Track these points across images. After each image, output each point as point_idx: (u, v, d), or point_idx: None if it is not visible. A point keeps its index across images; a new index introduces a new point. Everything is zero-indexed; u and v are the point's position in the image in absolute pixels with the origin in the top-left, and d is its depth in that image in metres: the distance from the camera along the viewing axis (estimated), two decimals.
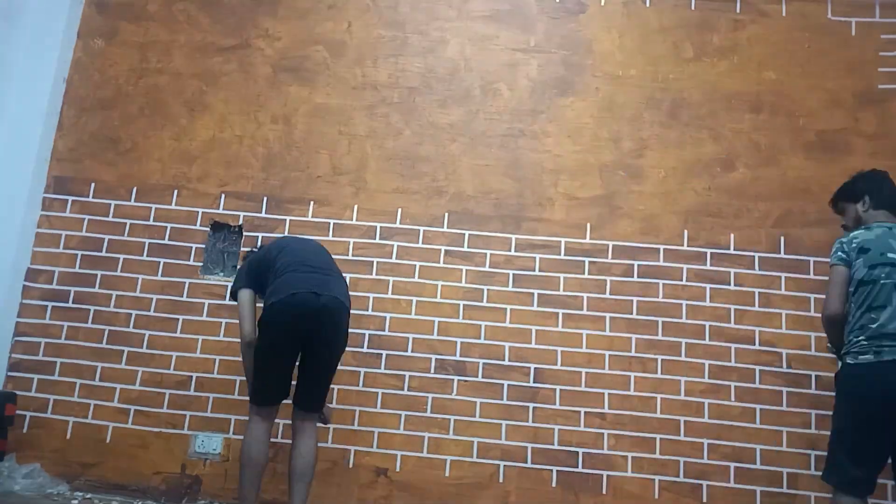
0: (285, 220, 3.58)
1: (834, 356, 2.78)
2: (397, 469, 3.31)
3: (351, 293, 3.44)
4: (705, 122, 3.61)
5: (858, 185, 2.80)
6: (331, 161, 3.65)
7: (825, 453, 3.18)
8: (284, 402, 2.89)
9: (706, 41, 3.71)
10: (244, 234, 3.58)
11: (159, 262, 3.57)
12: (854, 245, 2.61)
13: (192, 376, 3.43)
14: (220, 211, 3.62)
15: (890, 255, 2.54)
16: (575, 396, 3.34)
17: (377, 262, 3.52)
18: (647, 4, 3.77)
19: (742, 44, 3.69)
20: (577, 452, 3.29)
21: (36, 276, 3.56)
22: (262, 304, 2.89)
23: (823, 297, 3.34)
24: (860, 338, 2.52)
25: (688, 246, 3.49)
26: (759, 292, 3.42)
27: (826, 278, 3.36)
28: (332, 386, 3.37)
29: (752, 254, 3.46)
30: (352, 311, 3.44)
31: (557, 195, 3.57)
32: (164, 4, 3.87)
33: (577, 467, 3.28)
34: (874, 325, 2.48)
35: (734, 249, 3.47)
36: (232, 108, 3.73)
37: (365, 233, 3.56)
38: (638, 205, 3.55)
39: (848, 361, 2.57)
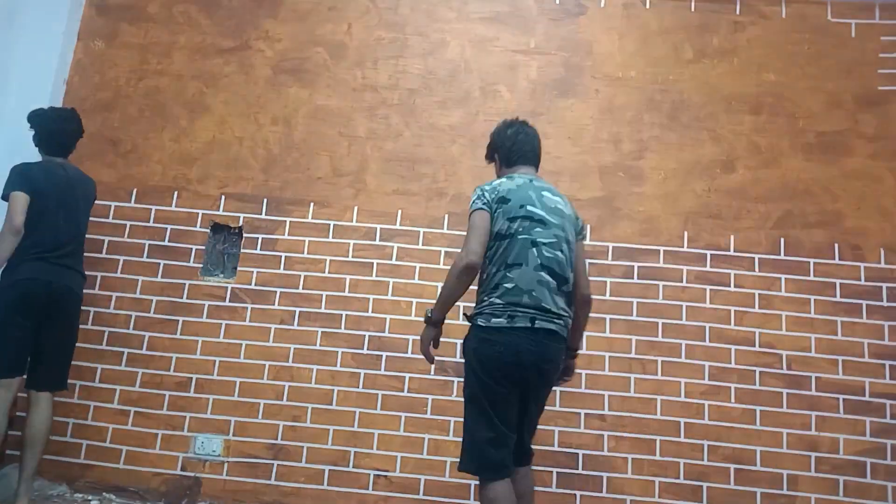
0: (285, 221, 3.59)
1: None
2: (397, 471, 3.31)
3: (351, 294, 3.48)
4: (705, 124, 3.62)
5: (491, 141, 2.63)
6: (331, 162, 3.65)
7: (826, 455, 3.22)
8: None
9: (706, 43, 3.71)
10: (244, 235, 3.59)
11: (159, 264, 3.57)
12: (495, 195, 2.38)
13: (191, 378, 3.43)
14: (220, 212, 3.62)
15: (530, 207, 2.35)
16: (575, 398, 3.34)
17: (377, 264, 3.52)
18: (647, 6, 3.78)
19: (742, 45, 3.69)
20: (578, 454, 3.29)
21: None
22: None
23: (823, 298, 3.39)
24: (493, 298, 2.30)
25: (688, 247, 3.49)
26: (759, 294, 3.42)
27: (825, 279, 3.41)
28: (332, 387, 3.39)
29: (752, 255, 3.46)
30: (351, 313, 3.47)
31: None
32: (164, 6, 3.88)
33: (577, 469, 3.28)
34: (510, 286, 2.28)
35: (734, 251, 3.47)
36: (232, 110, 3.73)
37: (365, 234, 3.56)
38: (638, 206, 3.55)
39: (479, 323, 2.32)
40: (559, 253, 2.35)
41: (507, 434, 2.28)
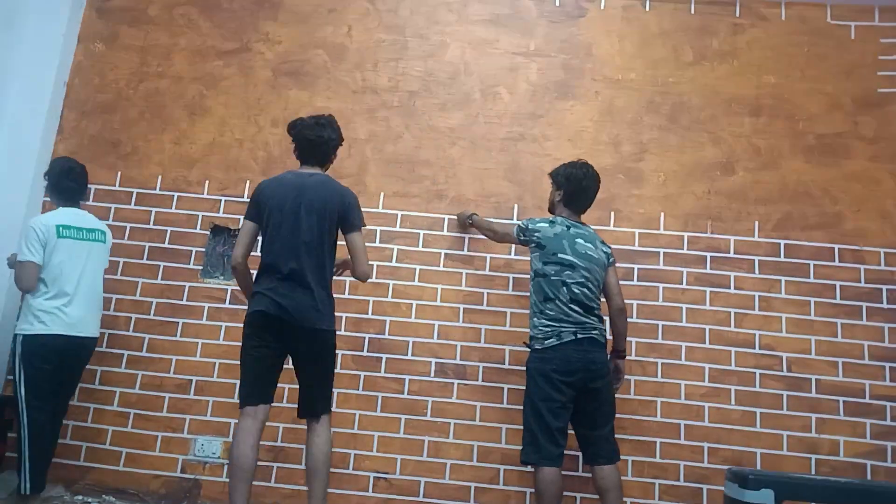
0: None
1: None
2: (397, 473, 3.31)
3: (351, 297, 3.48)
4: (705, 126, 3.62)
5: (563, 177, 3.06)
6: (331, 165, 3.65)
7: (826, 457, 3.22)
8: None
9: (706, 45, 3.72)
10: None
11: (159, 266, 3.57)
12: (535, 237, 2.97)
13: (191, 380, 3.43)
14: (220, 214, 3.62)
15: (561, 255, 2.90)
16: None
17: (377, 266, 3.52)
18: (647, 8, 3.78)
19: (742, 48, 3.70)
20: (578, 456, 3.28)
21: None
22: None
23: (823, 300, 3.39)
24: (542, 320, 2.88)
25: (688, 249, 3.49)
26: (758, 296, 3.42)
27: (825, 281, 3.41)
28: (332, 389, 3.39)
29: (751, 257, 3.46)
30: (351, 315, 3.46)
31: None
32: (164, 8, 3.88)
33: (578, 471, 3.28)
34: (551, 313, 2.86)
35: (734, 253, 3.47)
36: (232, 112, 3.74)
37: (365, 236, 3.54)
38: (638, 208, 3.55)
39: (536, 347, 2.88)
40: (586, 290, 2.89)
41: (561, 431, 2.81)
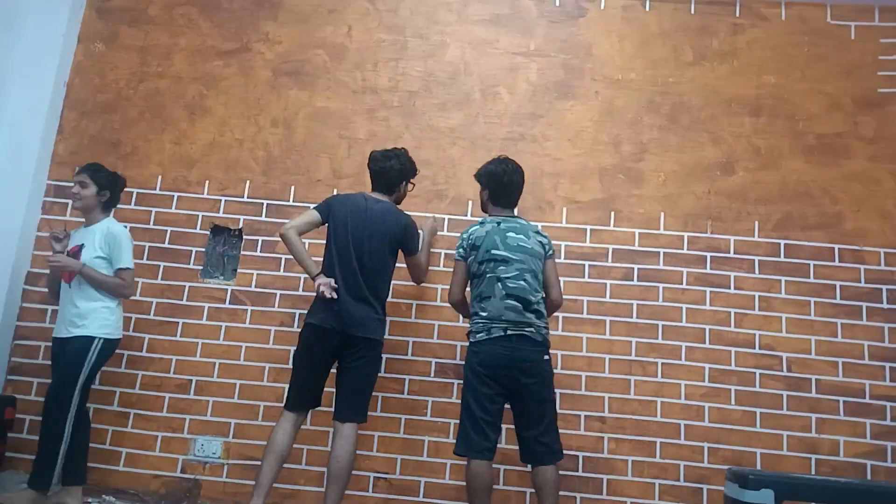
0: (285, 223, 3.57)
1: None
2: (397, 473, 3.31)
3: None
4: (705, 126, 3.62)
5: (482, 173, 3.10)
6: (331, 165, 3.66)
7: (826, 457, 3.23)
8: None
9: (706, 45, 3.72)
10: (244, 237, 3.59)
11: (159, 266, 3.57)
12: (469, 243, 2.99)
13: (191, 380, 3.43)
14: (220, 214, 3.62)
15: (493, 251, 2.90)
16: (575, 400, 3.34)
17: None
18: (647, 8, 3.78)
19: (742, 48, 3.70)
20: (578, 456, 3.29)
21: (36, 279, 3.56)
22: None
23: (823, 300, 3.40)
24: (475, 320, 2.91)
25: (688, 249, 3.49)
26: (758, 296, 3.42)
27: (825, 281, 3.42)
28: (331, 390, 3.38)
29: (751, 257, 3.46)
30: None
31: (557, 199, 3.57)
32: (164, 8, 3.88)
33: (577, 471, 3.27)
34: (484, 314, 2.87)
35: (734, 253, 3.47)
36: (232, 112, 3.74)
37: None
38: (638, 208, 3.55)
39: (470, 341, 2.91)
40: (522, 283, 2.86)
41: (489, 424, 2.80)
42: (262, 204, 3.62)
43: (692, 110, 3.64)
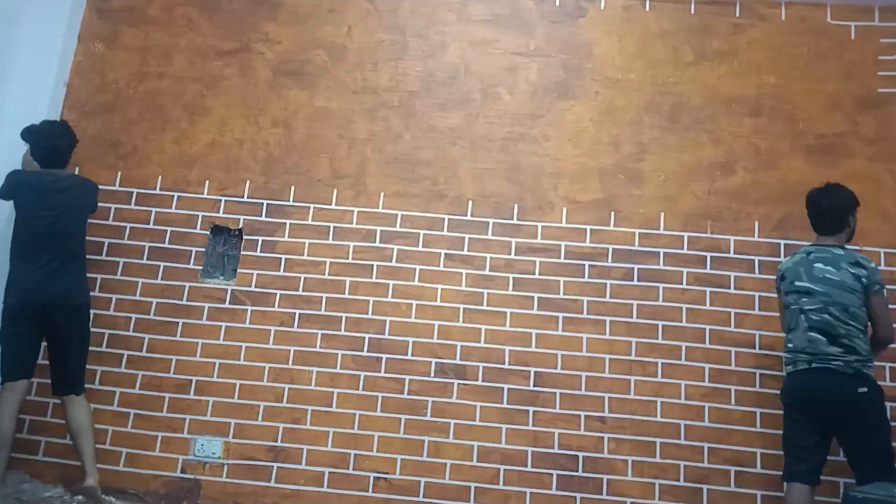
0: (285, 223, 3.59)
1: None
2: (397, 473, 3.31)
3: (351, 297, 3.48)
4: (705, 126, 3.62)
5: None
6: (331, 165, 3.66)
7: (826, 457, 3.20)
8: None
9: (706, 45, 3.71)
10: (244, 237, 3.59)
11: (159, 266, 3.57)
12: (779, 274, 3.05)
13: (191, 380, 3.43)
14: (220, 214, 3.62)
15: (797, 283, 2.91)
16: (575, 400, 3.34)
17: (377, 266, 3.52)
18: (647, 8, 3.78)
19: (742, 48, 3.70)
20: (578, 456, 3.29)
21: None
22: None
23: None
24: (784, 353, 2.98)
25: (688, 249, 3.49)
26: (759, 296, 3.41)
27: None
28: (332, 390, 3.39)
29: (752, 257, 3.46)
30: (351, 315, 3.46)
31: (557, 199, 3.57)
32: (164, 8, 3.88)
33: (578, 471, 3.27)
34: (790, 345, 2.91)
35: (734, 253, 3.47)
36: (232, 112, 3.74)
37: (365, 236, 3.56)
38: (638, 208, 3.55)
39: (784, 374, 3.00)
40: (826, 315, 2.82)
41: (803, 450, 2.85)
42: (262, 204, 3.62)
43: (692, 110, 3.64)
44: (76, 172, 3.57)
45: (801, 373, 2.84)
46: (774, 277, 3.13)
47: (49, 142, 3.26)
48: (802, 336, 2.85)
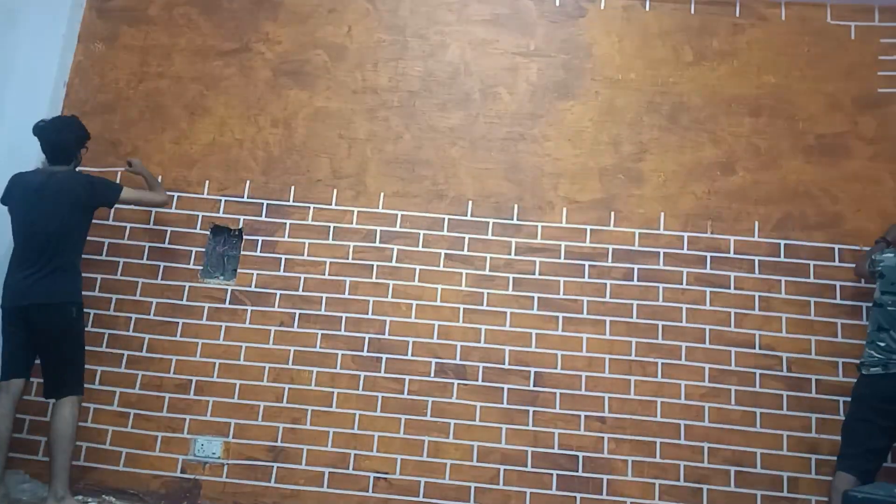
0: (285, 223, 3.59)
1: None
2: (397, 473, 3.31)
3: (351, 297, 3.47)
4: (705, 126, 3.62)
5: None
6: (331, 165, 3.66)
7: (826, 457, 3.23)
8: None
9: (706, 45, 3.71)
10: (244, 237, 3.59)
11: (159, 266, 3.57)
12: (878, 268, 3.05)
13: (191, 380, 3.43)
14: (220, 214, 3.62)
15: None
16: (575, 400, 3.34)
17: (377, 266, 3.52)
18: (647, 8, 3.78)
19: (742, 48, 3.70)
20: (578, 456, 3.29)
21: None
22: None
23: (823, 300, 3.39)
24: (871, 351, 2.96)
25: (688, 249, 3.49)
26: (759, 296, 3.41)
27: (825, 282, 3.41)
28: (332, 390, 3.39)
29: (752, 257, 3.46)
30: (351, 315, 3.46)
31: (557, 199, 3.57)
32: (164, 8, 3.88)
33: (578, 471, 3.27)
34: (883, 345, 2.91)
35: (734, 253, 3.47)
36: (232, 112, 3.74)
37: (365, 236, 3.56)
38: (638, 208, 3.55)
39: (862, 372, 2.98)
40: None
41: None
42: (262, 204, 3.62)
43: (692, 110, 3.64)
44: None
45: (894, 376, 2.86)
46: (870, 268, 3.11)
47: (52, 137, 3.21)
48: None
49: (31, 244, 3.08)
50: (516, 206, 3.57)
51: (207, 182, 3.66)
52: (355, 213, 3.59)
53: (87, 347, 3.31)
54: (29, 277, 3.04)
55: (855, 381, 3.06)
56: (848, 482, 2.83)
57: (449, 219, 3.57)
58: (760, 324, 3.38)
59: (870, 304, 3.35)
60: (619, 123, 3.64)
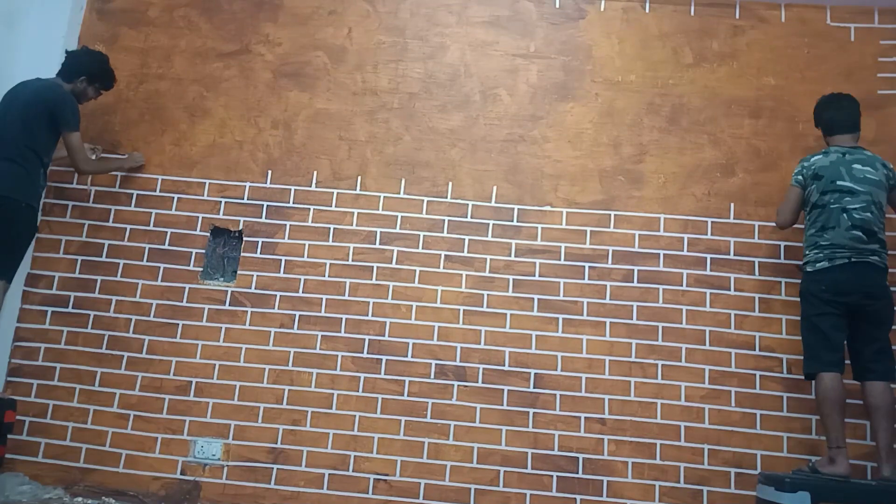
0: (285, 224, 3.59)
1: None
2: (397, 475, 3.30)
3: (351, 298, 3.48)
4: (705, 128, 3.62)
5: (816, 114, 3.28)
6: (331, 166, 3.66)
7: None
8: None
9: (706, 47, 3.72)
10: (244, 239, 3.59)
11: (159, 267, 3.57)
12: (810, 171, 3.10)
13: (191, 381, 3.43)
14: (221, 216, 3.62)
15: (839, 182, 3.01)
16: (575, 402, 3.34)
17: (377, 268, 3.52)
18: (647, 10, 3.78)
19: (741, 49, 3.70)
20: (578, 458, 3.29)
21: (36, 281, 3.56)
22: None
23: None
24: (814, 251, 3.04)
25: (687, 251, 3.49)
26: (759, 297, 3.42)
27: None
28: (332, 391, 3.39)
29: (752, 259, 3.46)
30: (351, 316, 3.46)
31: (557, 200, 3.57)
32: (164, 10, 3.88)
33: (578, 473, 3.27)
34: (825, 243, 3.00)
35: (734, 255, 3.47)
36: (232, 114, 3.74)
37: (365, 238, 3.56)
38: (638, 210, 3.55)
39: (808, 270, 3.07)
40: (868, 214, 2.98)
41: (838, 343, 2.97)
42: (262, 205, 3.62)
43: (692, 112, 3.64)
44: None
45: (842, 267, 2.94)
46: (795, 181, 3.16)
47: (69, 53, 3.46)
48: (844, 234, 2.96)
49: None
50: (516, 207, 3.57)
51: (207, 184, 3.66)
52: (355, 215, 3.59)
53: (86, 349, 3.32)
54: None
55: (805, 287, 3.08)
56: (833, 379, 2.88)
57: (449, 220, 3.57)
58: (760, 325, 3.38)
59: None
60: (618, 125, 3.65)
